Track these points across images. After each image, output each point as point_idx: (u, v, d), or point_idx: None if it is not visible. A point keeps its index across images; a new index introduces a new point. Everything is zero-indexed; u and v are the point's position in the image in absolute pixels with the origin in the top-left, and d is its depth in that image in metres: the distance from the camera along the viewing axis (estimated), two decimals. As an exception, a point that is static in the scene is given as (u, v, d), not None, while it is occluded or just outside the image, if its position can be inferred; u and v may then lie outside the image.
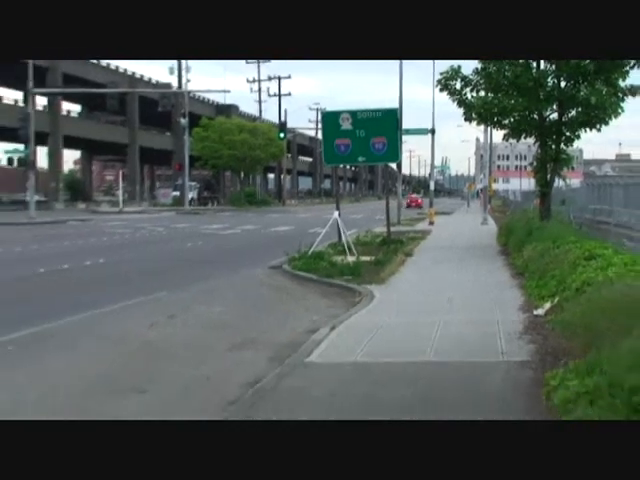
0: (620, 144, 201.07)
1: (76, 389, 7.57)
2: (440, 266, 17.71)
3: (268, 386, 7.19)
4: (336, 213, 19.93)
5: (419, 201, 79.38)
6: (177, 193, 65.83)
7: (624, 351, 5.95)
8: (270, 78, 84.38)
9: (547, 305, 10.46)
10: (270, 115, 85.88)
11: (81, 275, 17.11)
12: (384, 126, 21.11)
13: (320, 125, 23.02)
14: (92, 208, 62.96)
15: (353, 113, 21.42)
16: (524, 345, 8.48)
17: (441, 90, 21.62)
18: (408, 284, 14.74)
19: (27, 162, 46.20)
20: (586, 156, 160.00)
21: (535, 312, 10.41)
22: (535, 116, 21.06)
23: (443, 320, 10.29)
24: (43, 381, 7.89)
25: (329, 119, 21.82)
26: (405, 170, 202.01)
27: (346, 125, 21.21)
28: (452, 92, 21.27)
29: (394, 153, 21.79)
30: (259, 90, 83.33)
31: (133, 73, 76.99)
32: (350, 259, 17.93)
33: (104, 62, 73.41)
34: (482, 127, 41.86)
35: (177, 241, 27.88)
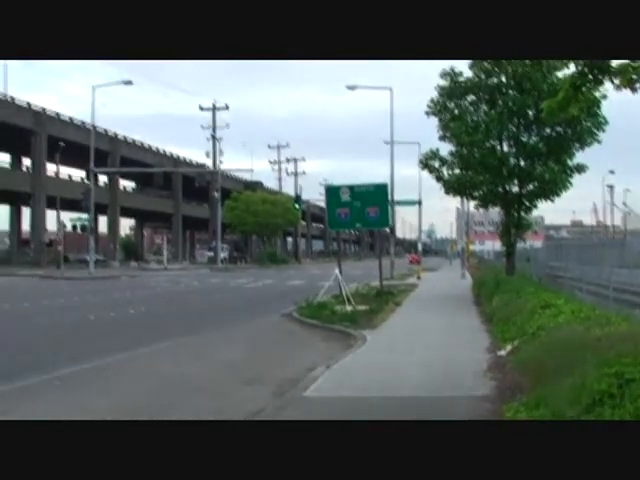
0: (574, 212, 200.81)
1: (110, 415, 7.33)
2: (423, 313, 17.46)
3: (268, 416, 6.94)
4: (337, 270, 19.74)
5: (418, 258, 78.61)
6: (211, 253, 65.78)
7: (566, 387, 5.73)
8: (288, 160, 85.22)
9: (508, 347, 10.21)
10: (288, 189, 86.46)
11: (125, 321, 16.92)
12: (376, 197, 21.03)
13: (324, 197, 22.95)
14: (142, 266, 62.93)
15: (351, 187, 21.37)
16: (487, 381, 8.21)
17: (422, 168, 21.82)
18: (396, 329, 14.49)
19: (88, 228, 46.40)
20: (547, 222, 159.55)
21: (498, 352, 10.16)
22: (500, 189, 21.17)
23: (421, 359, 10.03)
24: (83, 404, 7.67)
25: (331, 192, 21.79)
26: (399, 234, 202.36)
27: (345, 197, 21.14)
28: (432, 170, 21.41)
29: (385, 219, 21.86)
30: (279, 169, 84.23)
31: (178, 156, 77.89)
32: (349, 308, 17.70)
33: (154, 147, 74.42)
34: (459, 199, 42.12)
35: (208, 293, 27.71)
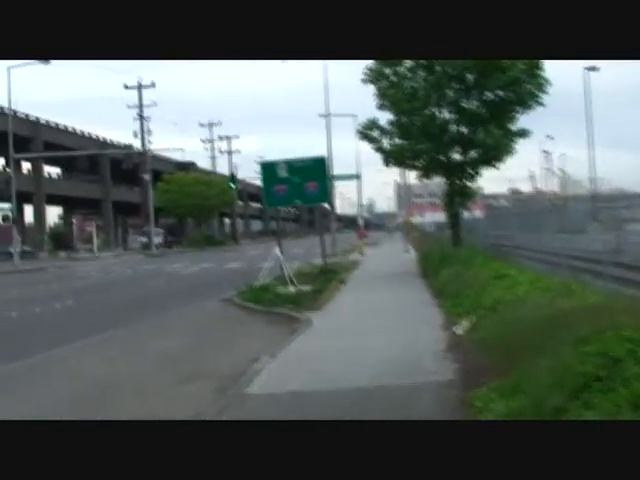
0: (510, 180, 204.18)
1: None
2: (370, 291, 17.02)
3: (210, 418, 6.19)
4: (277, 249, 19.01)
5: (365, 233, 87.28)
6: (145, 239, 63.97)
7: (543, 370, 5.15)
8: (221, 138, 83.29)
9: (465, 323, 9.67)
10: (223, 169, 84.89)
11: (51, 317, 15.82)
12: (315, 172, 20.33)
13: (260, 174, 22.09)
14: (72, 256, 60.75)
15: (288, 162, 20.61)
16: (448, 364, 7.62)
17: (361, 139, 21.28)
18: (342, 309, 13.99)
19: (10, 218, 44.35)
20: (486, 191, 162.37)
21: (455, 330, 9.61)
22: (442, 158, 20.80)
23: (373, 342, 9.43)
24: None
25: (267, 168, 20.96)
26: (339, 210, 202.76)
27: (282, 173, 20.38)
28: (371, 140, 20.88)
29: (324, 195, 21.19)
30: (212, 148, 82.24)
31: (105, 138, 75.25)
32: (292, 289, 17.18)
33: (79, 130, 71.81)
34: (399, 171, 41.93)
35: (141, 280, 26.67)
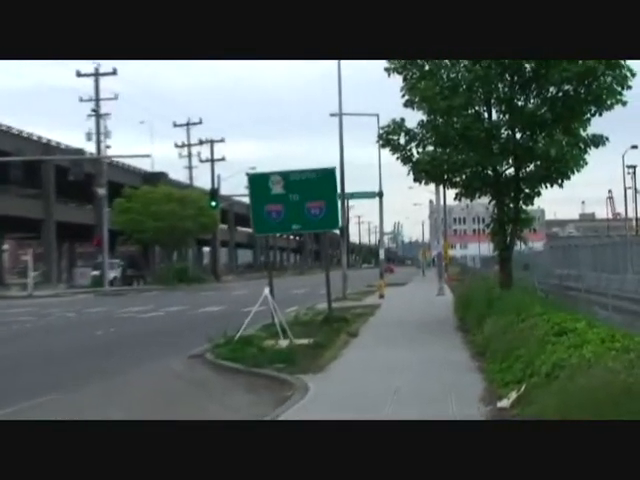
0: (583, 202, 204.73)
1: None
2: (388, 347, 16.98)
3: None
4: (267, 290, 18.90)
5: (392, 268, 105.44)
6: (97, 272, 64.13)
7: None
8: (202, 142, 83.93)
9: (513, 395, 9.64)
10: (203, 182, 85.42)
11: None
12: (321, 189, 20.40)
13: (248, 190, 22.06)
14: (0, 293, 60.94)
15: (285, 175, 20.67)
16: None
17: (383, 146, 21.33)
18: (350, 371, 13.93)
19: None
20: (548, 216, 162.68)
21: (499, 404, 9.55)
22: (489, 172, 20.88)
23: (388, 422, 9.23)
24: None
25: (257, 182, 21.01)
26: (354, 238, 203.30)
27: (277, 189, 20.40)
28: (395, 148, 20.86)
29: (333, 218, 21.11)
30: (189, 155, 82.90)
31: (49, 140, 75.79)
32: (284, 343, 17.28)
33: (15, 129, 72.30)
34: (434, 188, 41.94)
35: (86, 328, 26.70)
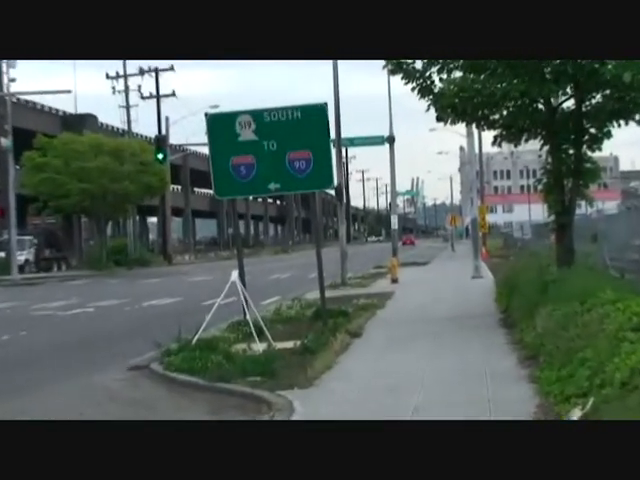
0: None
1: None
2: (403, 351, 17.17)
3: None
4: (235, 274, 18.93)
5: (412, 239, 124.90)
6: (1, 254, 64.15)
7: None
8: (143, 71, 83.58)
9: (577, 413, 9.78)
10: (146, 127, 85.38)
11: None
12: (308, 133, 20.52)
13: (207, 137, 21.86)
14: None
15: (257, 114, 20.66)
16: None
17: (393, 72, 21.22)
18: (350, 386, 14.00)
19: None
20: (623, 166, 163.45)
21: (559, 425, 9.59)
22: (540, 106, 20.84)
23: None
24: None
25: (219, 126, 20.97)
26: (357, 201, 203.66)
27: (247, 134, 20.36)
28: (410, 74, 20.80)
29: (325, 174, 21.16)
30: (126, 89, 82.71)
31: None
32: (260, 347, 17.47)
33: None
34: (465, 130, 41.86)
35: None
